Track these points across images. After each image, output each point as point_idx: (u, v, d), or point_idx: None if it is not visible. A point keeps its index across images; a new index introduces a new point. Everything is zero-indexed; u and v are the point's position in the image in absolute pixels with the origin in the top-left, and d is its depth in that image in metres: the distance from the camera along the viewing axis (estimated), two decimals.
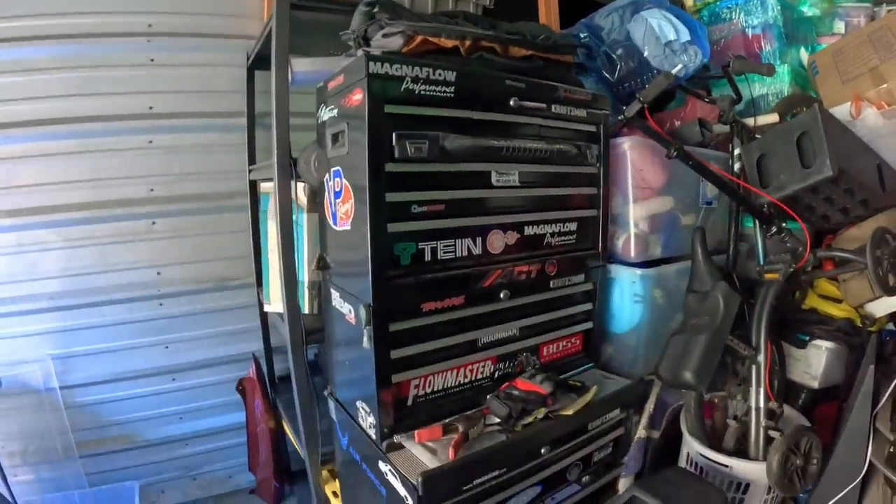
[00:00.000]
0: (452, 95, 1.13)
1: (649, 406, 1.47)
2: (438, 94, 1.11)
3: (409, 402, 1.17)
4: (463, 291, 1.19)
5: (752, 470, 1.29)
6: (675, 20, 1.61)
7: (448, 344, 1.19)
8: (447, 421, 1.15)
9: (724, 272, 1.45)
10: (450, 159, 1.14)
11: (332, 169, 1.23)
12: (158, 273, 1.97)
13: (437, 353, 1.18)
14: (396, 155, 1.07)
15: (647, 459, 1.51)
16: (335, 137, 1.20)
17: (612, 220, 1.49)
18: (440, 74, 1.10)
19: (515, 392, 1.19)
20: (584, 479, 1.33)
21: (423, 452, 1.10)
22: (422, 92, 1.09)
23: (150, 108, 1.89)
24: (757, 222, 1.50)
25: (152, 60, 1.87)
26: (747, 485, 1.31)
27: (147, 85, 1.87)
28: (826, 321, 1.57)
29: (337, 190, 1.21)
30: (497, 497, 1.13)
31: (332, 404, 1.42)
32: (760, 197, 1.43)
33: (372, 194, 1.05)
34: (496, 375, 1.30)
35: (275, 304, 1.74)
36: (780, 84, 1.91)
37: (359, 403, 1.22)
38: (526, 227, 1.29)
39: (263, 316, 2.08)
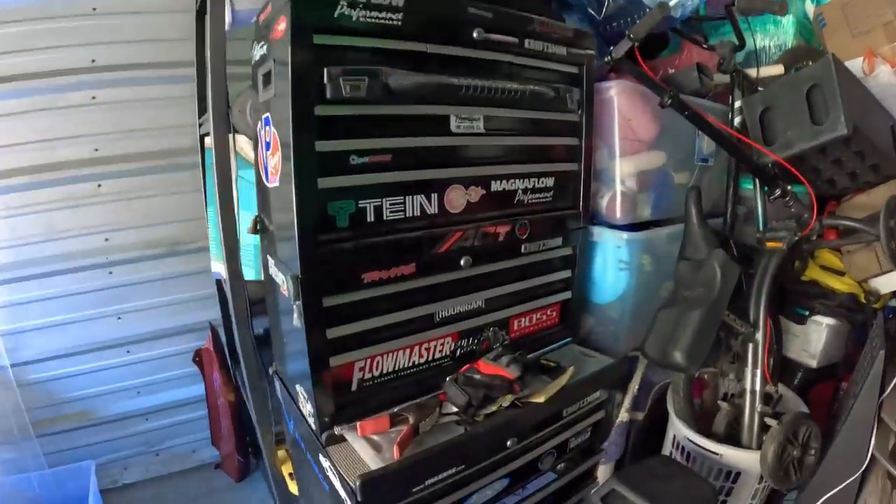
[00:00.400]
0: (401, 24, 0.95)
1: (633, 387, 1.37)
2: (383, 21, 0.93)
3: (354, 388, 1.02)
4: (414, 258, 1.02)
5: (744, 459, 1.21)
6: None
7: (398, 320, 1.04)
8: (396, 410, 1.00)
9: (721, 238, 1.34)
10: (397, 100, 0.96)
11: (263, 116, 1.05)
12: (106, 239, 1.88)
13: (385, 331, 1.03)
14: (329, 95, 0.89)
15: (629, 444, 1.42)
16: (266, 78, 1.01)
17: (595, 175, 1.35)
18: None
19: (477, 377, 1.04)
20: (559, 467, 1.22)
21: (366, 448, 0.95)
22: (361, 19, 0.91)
23: (93, 60, 1.76)
24: (758, 183, 1.39)
25: (94, 10, 1.74)
26: (738, 473, 1.22)
27: (89, 36, 1.74)
28: (827, 295, 1.48)
29: (267, 140, 1.03)
30: (456, 495, 1.00)
31: (277, 384, 1.28)
32: (764, 155, 1.33)
33: (297, 142, 0.88)
34: (458, 354, 1.16)
35: (219, 268, 1.60)
36: (783, 36, 1.77)
37: (298, 387, 1.07)
38: (493, 183, 1.13)
39: (219, 283, 1.96)
